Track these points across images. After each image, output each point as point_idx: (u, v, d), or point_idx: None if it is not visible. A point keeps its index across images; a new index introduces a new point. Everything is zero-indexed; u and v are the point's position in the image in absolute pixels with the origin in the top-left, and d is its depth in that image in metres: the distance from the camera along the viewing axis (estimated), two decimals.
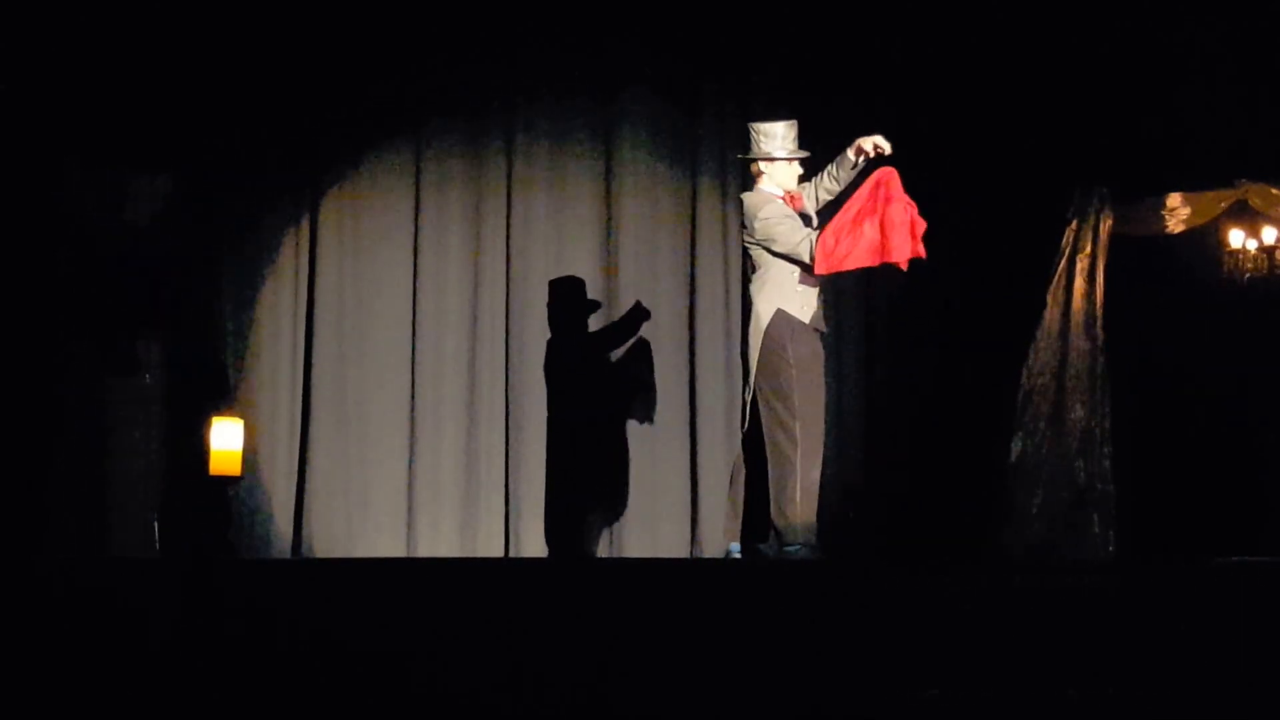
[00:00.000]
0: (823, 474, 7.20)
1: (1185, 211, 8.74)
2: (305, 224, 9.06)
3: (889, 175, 7.15)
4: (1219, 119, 8.60)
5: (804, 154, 7.36)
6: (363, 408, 9.00)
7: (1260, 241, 8.65)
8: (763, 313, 7.17)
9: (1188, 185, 8.75)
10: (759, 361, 7.16)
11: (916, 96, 8.95)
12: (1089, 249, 8.82)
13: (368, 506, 8.95)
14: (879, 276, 9.00)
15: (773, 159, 7.29)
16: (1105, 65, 8.79)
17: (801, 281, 7.17)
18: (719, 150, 9.24)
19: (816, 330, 7.23)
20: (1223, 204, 8.72)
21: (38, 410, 8.61)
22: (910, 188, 8.84)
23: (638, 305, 9.01)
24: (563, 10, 9.02)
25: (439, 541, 8.88)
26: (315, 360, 9.00)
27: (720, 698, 5.28)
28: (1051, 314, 8.83)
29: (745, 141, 7.42)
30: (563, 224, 9.17)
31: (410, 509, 8.95)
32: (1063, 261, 8.83)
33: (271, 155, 8.95)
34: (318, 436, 8.96)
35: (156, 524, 8.61)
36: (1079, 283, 8.81)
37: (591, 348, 9.07)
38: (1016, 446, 8.72)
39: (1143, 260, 8.82)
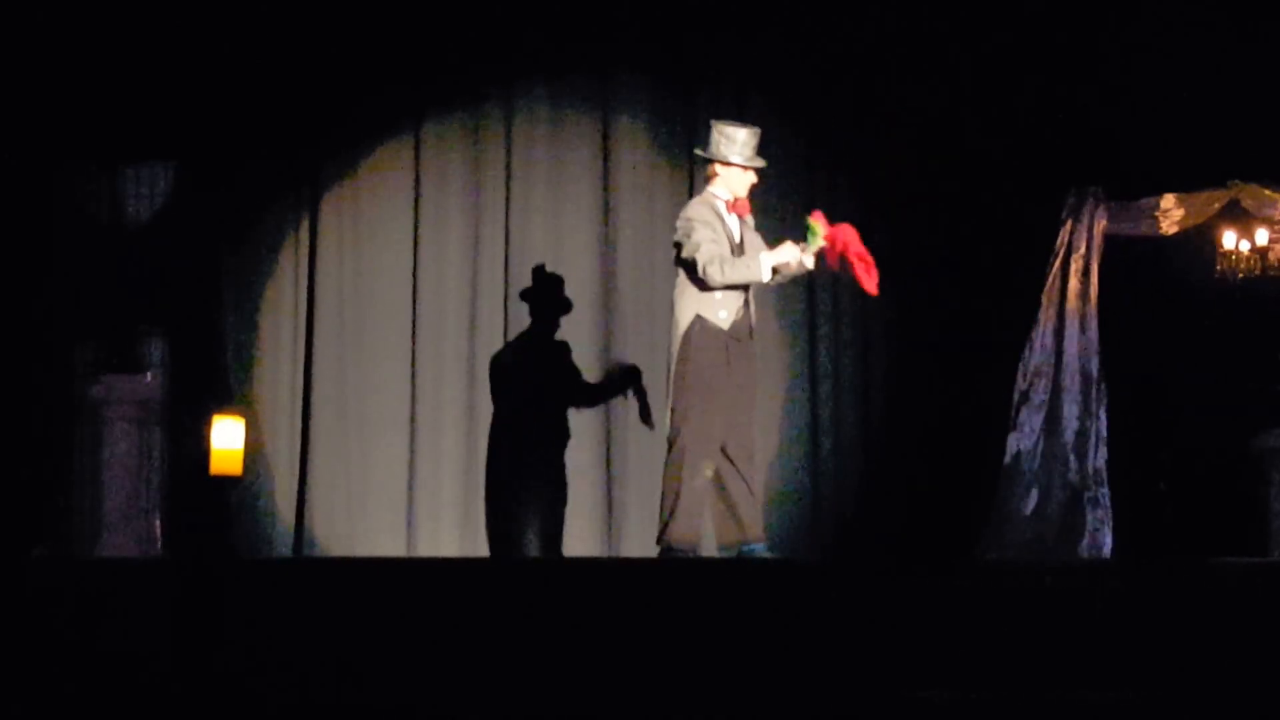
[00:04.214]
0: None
1: (1179, 213, 8.78)
2: (305, 221, 9.09)
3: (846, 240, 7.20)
4: (1212, 120, 8.63)
5: (760, 163, 7.30)
6: (363, 406, 9.03)
7: (1253, 242, 8.68)
8: (681, 318, 7.16)
9: (1181, 186, 8.79)
10: (674, 365, 7.17)
11: (911, 97, 8.98)
12: (1083, 250, 8.86)
13: (368, 505, 8.98)
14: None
15: (729, 163, 7.24)
16: (1098, 66, 8.82)
17: (724, 288, 7.15)
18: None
19: (736, 338, 7.18)
20: (1215, 205, 8.76)
21: (38, 410, 8.64)
22: (905, 189, 8.95)
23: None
24: None
25: (439, 540, 8.91)
26: (316, 359, 9.03)
27: (716, 698, 5.31)
28: (1046, 315, 8.87)
29: (706, 137, 7.34)
30: (561, 218, 9.18)
31: (410, 507, 8.98)
32: (1057, 262, 8.87)
33: (271, 150, 8.97)
34: (318, 435, 8.99)
35: (158, 524, 8.64)
36: (1073, 283, 8.85)
37: (586, 341, 9.10)
38: (1011, 447, 8.77)
39: (1136, 261, 8.86)
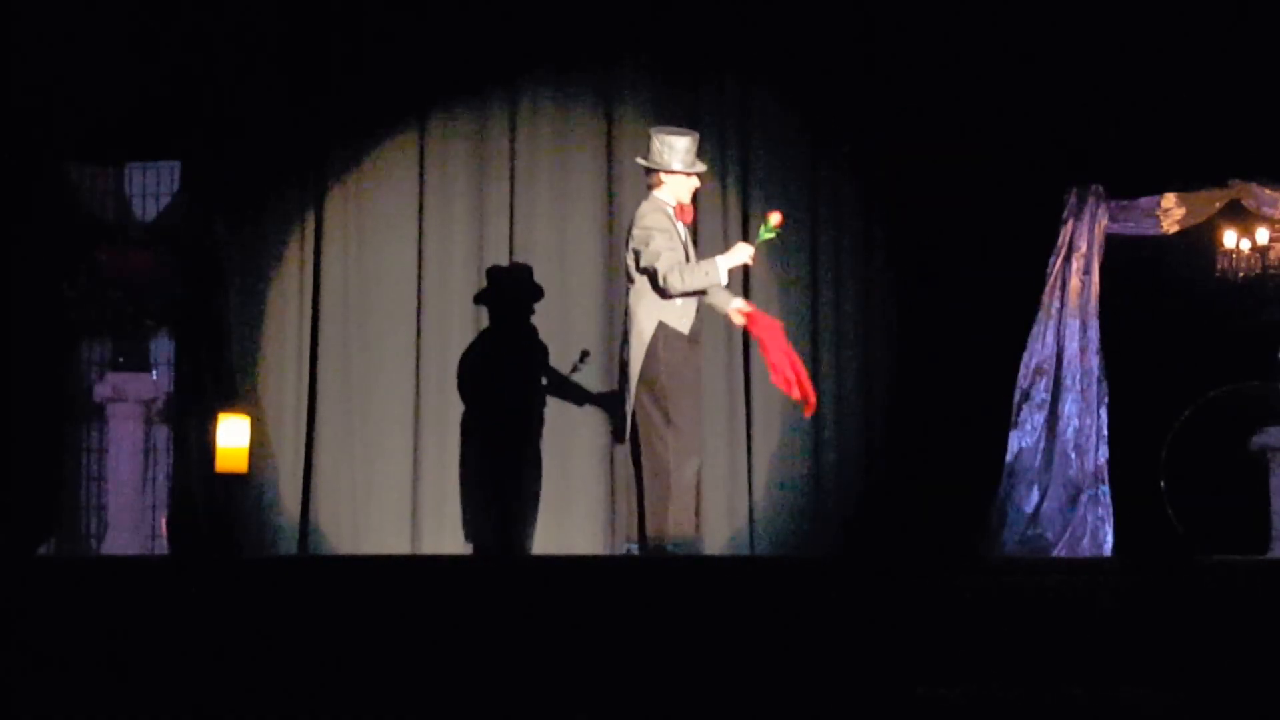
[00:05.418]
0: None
1: (1180, 212, 8.80)
2: (310, 218, 9.10)
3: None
4: (1212, 118, 8.64)
5: (701, 168, 7.58)
6: (368, 402, 9.04)
7: (1254, 241, 8.70)
8: (644, 325, 7.41)
9: (1182, 185, 8.81)
10: (639, 371, 7.41)
11: (911, 94, 8.99)
12: (1084, 248, 8.87)
13: (372, 502, 8.98)
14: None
15: (671, 171, 7.50)
16: (1099, 64, 8.83)
17: (682, 294, 7.42)
18: (718, 127, 9.14)
19: (694, 341, 7.48)
20: (1216, 204, 8.77)
21: (44, 408, 8.66)
22: (907, 187, 8.95)
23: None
24: None
25: (444, 537, 8.93)
26: (321, 356, 9.03)
27: (717, 698, 5.33)
28: (1047, 313, 8.89)
29: (646, 145, 7.59)
30: (565, 212, 9.16)
31: (415, 504, 8.99)
32: (1058, 261, 8.89)
33: (275, 148, 8.98)
34: (323, 432, 8.99)
35: (164, 521, 8.66)
36: (1074, 282, 8.87)
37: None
38: (1013, 445, 8.80)
39: (1137, 260, 8.88)
